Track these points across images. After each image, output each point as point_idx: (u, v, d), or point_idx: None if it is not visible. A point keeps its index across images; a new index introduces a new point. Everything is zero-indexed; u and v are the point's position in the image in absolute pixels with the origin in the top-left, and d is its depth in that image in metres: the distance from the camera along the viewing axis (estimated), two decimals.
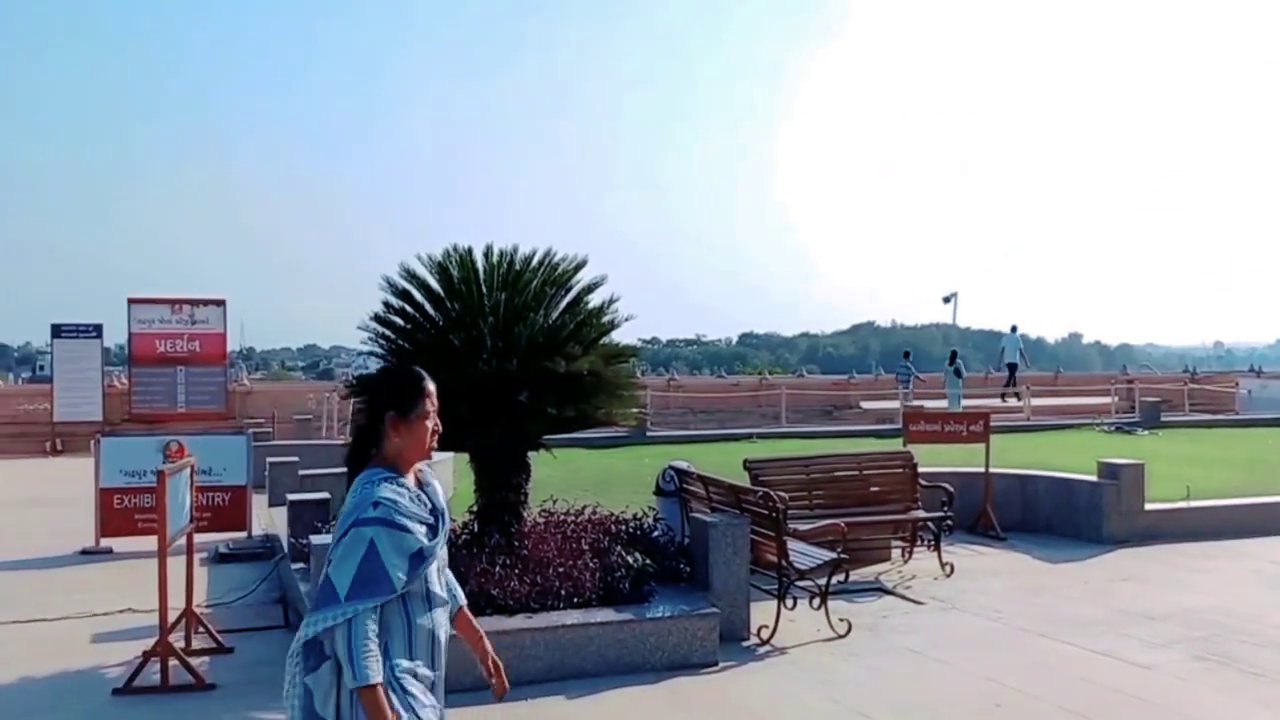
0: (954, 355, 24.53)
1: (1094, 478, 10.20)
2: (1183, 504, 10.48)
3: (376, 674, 2.53)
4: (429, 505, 2.76)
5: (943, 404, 22.40)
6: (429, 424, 2.77)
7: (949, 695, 5.72)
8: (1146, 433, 19.72)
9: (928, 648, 6.55)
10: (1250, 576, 8.56)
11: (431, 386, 2.80)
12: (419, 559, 2.66)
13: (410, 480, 2.76)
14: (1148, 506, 10.07)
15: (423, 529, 2.69)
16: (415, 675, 2.67)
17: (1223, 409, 26.63)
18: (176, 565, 6.21)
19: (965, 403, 22.18)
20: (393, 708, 2.55)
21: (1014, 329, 27.63)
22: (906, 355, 28.02)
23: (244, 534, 10.13)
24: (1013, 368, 26.74)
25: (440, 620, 2.79)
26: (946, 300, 29.58)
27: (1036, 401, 24.31)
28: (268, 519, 10.61)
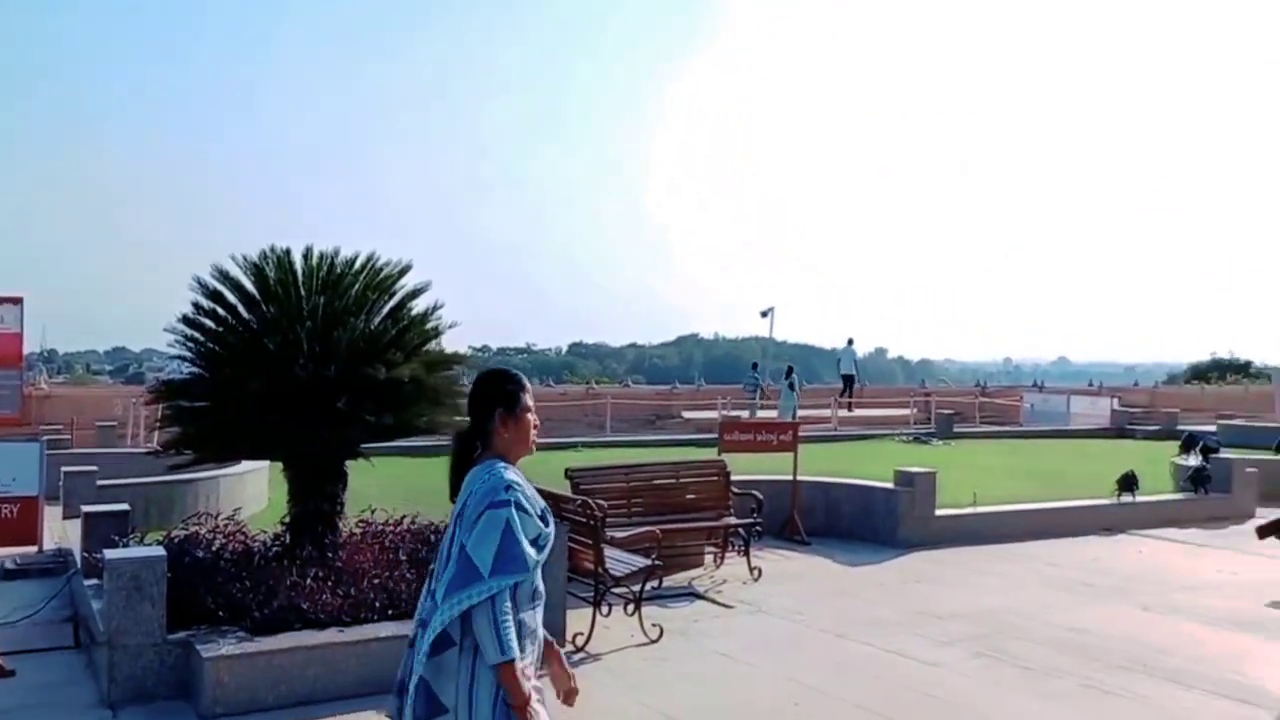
0: (790, 369, 25.84)
1: (891, 485, 10.72)
2: (970, 510, 11.16)
3: (518, 650, 2.61)
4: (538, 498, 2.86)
5: (774, 414, 23.46)
6: (531, 418, 2.91)
7: (752, 696, 5.86)
8: (941, 443, 20.88)
9: (735, 650, 6.70)
10: (1029, 577, 9.17)
11: (529, 384, 2.97)
12: (539, 547, 2.75)
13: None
14: (939, 512, 10.66)
15: (538, 519, 2.79)
16: (524, 675, 2.67)
17: (1009, 420, 28.52)
18: None
19: (802, 413, 23.24)
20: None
21: (850, 343, 29.84)
22: (754, 366, 29.35)
23: (34, 548, 9.33)
24: (848, 379, 28.45)
25: (540, 619, 2.83)
26: (764, 314, 30.48)
27: (843, 413, 25.38)
28: (61, 532, 9.81)
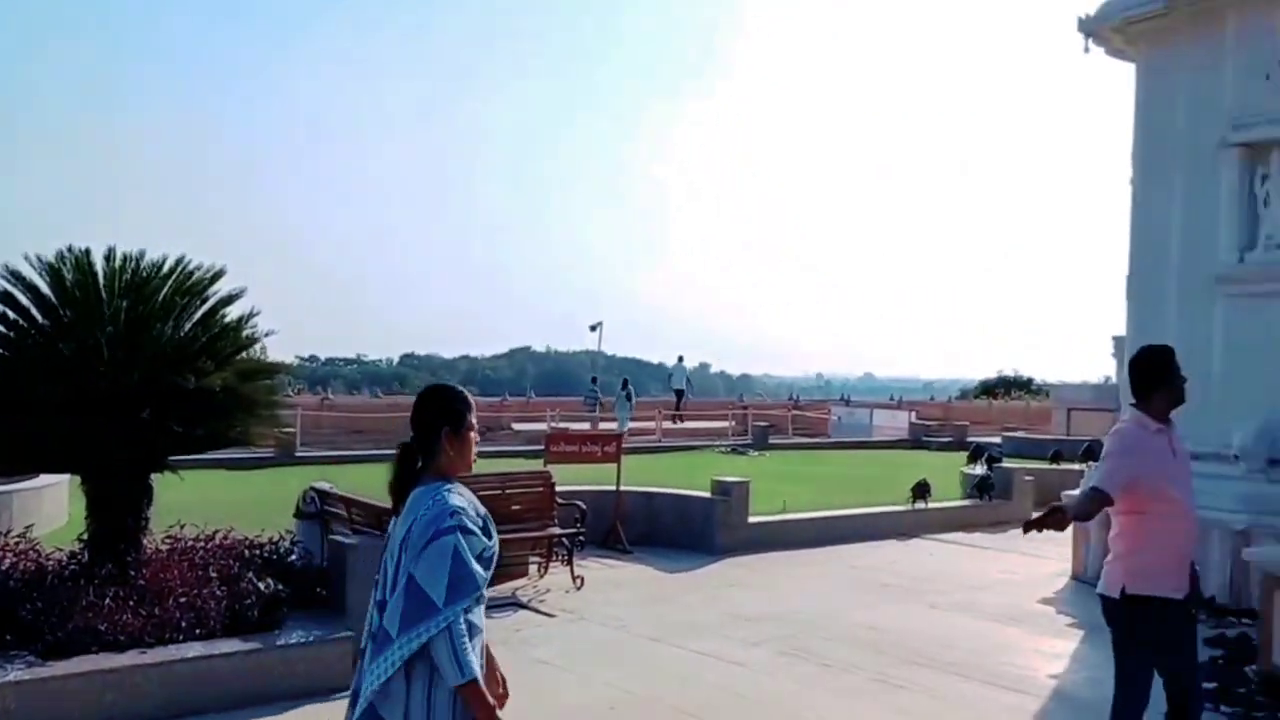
0: (625, 382, 26.38)
1: (708, 494, 10.98)
2: (780, 516, 11.55)
3: (479, 670, 2.65)
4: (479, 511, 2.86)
5: (614, 425, 23.64)
6: (474, 435, 2.91)
7: (571, 702, 5.85)
8: (757, 453, 21.57)
9: (556, 658, 6.68)
10: (832, 579, 9.57)
11: (472, 401, 2.96)
12: (485, 562, 2.76)
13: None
14: (752, 519, 10.99)
15: (481, 533, 2.79)
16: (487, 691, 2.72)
17: (818, 432, 29.76)
18: None
19: (630, 425, 23.66)
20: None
21: (681, 359, 30.95)
22: (594, 380, 29.57)
23: None
24: (679, 393, 29.18)
25: (483, 616, 2.82)
26: (593, 329, 30.76)
27: (667, 425, 25.84)
28: None
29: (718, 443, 23.86)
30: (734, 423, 26.79)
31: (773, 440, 24.40)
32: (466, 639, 2.63)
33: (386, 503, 7.91)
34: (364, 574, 6.36)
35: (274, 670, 5.66)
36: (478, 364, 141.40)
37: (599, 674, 6.37)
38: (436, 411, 2.88)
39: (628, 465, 11.09)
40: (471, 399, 2.98)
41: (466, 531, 2.72)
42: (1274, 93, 8.32)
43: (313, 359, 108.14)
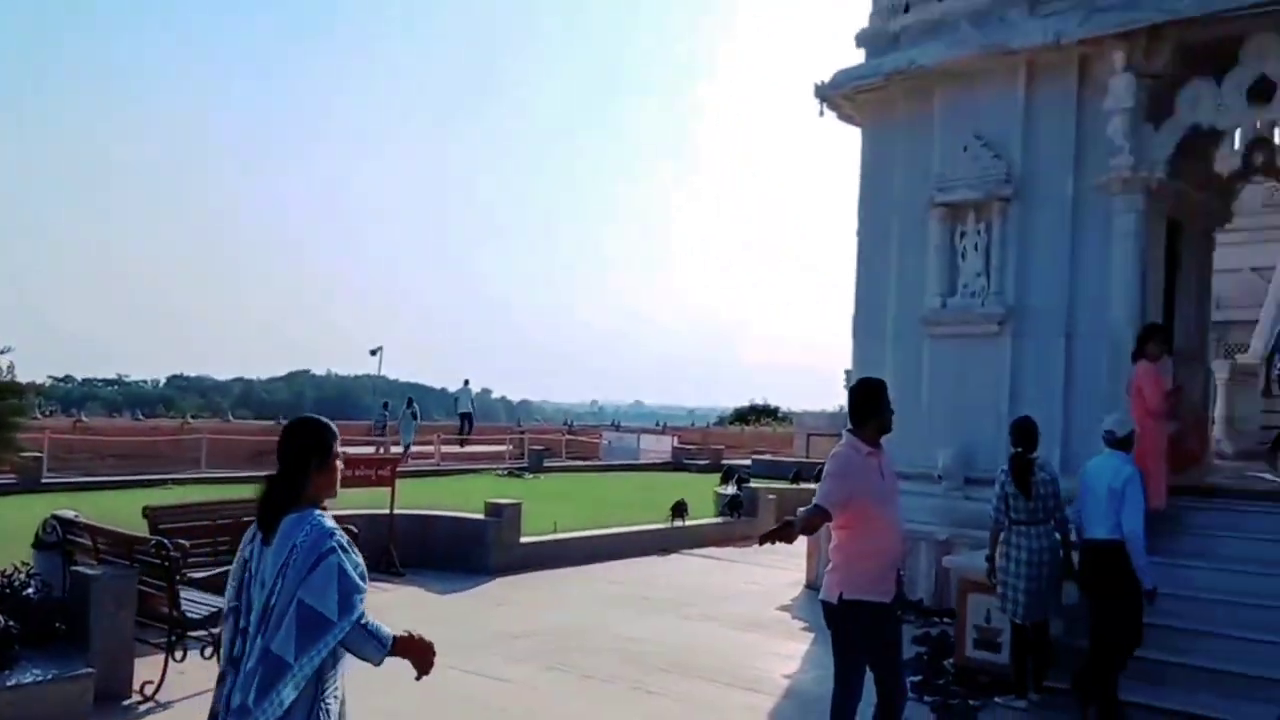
0: (410, 400, 25.80)
1: (482, 516, 10.86)
2: (550, 536, 11.59)
3: (389, 630, 2.81)
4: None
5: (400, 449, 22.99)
6: (339, 464, 2.97)
7: None
8: (532, 476, 21.53)
9: None
10: (597, 595, 9.70)
11: (338, 431, 3.01)
12: (362, 577, 2.80)
13: None
14: (523, 540, 10.96)
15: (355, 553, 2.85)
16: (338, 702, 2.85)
17: (591, 455, 30.10)
18: None
19: (414, 448, 23.27)
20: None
21: (466, 383, 30.44)
22: (385, 405, 28.54)
23: None
24: (466, 416, 28.56)
25: None
26: (373, 353, 29.72)
27: (446, 449, 25.32)
28: None
29: (496, 466, 23.63)
30: (511, 446, 26.61)
31: (548, 463, 24.44)
32: (370, 623, 2.76)
33: (137, 530, 7.31)
34: (108, 606, 5.83)
35: (3, 713, 5.05)
36: (254, 386, 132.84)
37: (367, 699, 6.06)
38: (305, 444, 2.93)
39: (407, 489, 10.81)
40: (336, 429, 3.03)
41: (345, 550, 2.79)
42: (971, 162, 9.33)
43: (67, 379, 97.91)
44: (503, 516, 10.73)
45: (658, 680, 6.72)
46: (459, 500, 13.22)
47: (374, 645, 2.78)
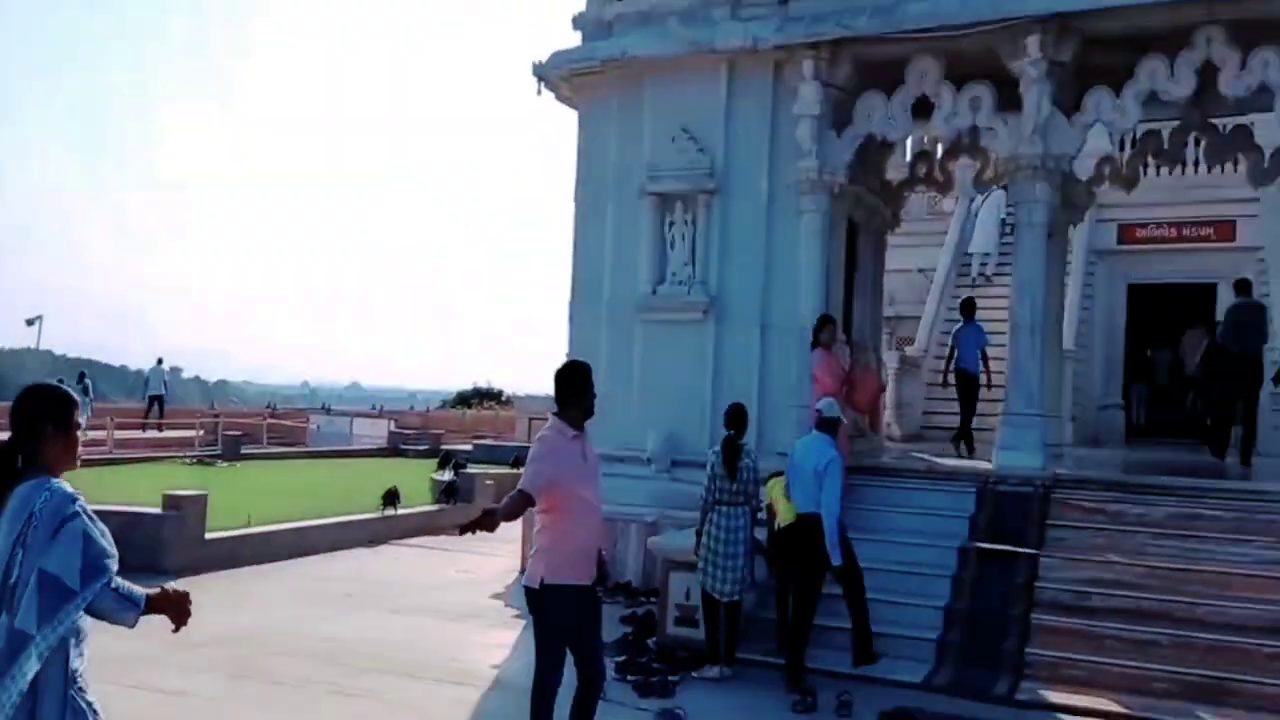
0: (82, 375, 23.31)
1: (158, 510, 9.86)
2: (243, 530, 10.75)
3: (141, 590, 2.80)
4: None
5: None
6: (79, 434, 2.92)
7: None
8: (226, 464, 19.93)
9: None
10: (295, 593, 9.11)
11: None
12: (110, 543, 2.76)
13: None
14: (210, 535, 10.07)
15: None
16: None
17: (297, 441, 28.40)
18: None
19: (89, 432, 20.26)
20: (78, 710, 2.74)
21: (160, 361, 26.90)
22: (81, 377, 24.64)
23: None
24: (156, 399, 25.51)
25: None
26: (30, 323, 26.12)
27: (122, 434, 22.81)
28: None
29: (184, 453, 21.65)
30: (203, 431, 24.50)
31: (246, 450, 22.70)
32: (121, 588, 2.72)
33: None
34: None
35: None
36: None
37: None
38: (42, 411, 2.86)
39: (73, 479, 9.51)
40: (76, 397, 2.99)
41: (89, 516, 2.75)
42: (679, 154, 9.70)
43: None
44: (184, 510, 9.79)
45: (359, 681, 6.41)
46: (137, 492, 11.94)
47: (127, 608, 2.76)
